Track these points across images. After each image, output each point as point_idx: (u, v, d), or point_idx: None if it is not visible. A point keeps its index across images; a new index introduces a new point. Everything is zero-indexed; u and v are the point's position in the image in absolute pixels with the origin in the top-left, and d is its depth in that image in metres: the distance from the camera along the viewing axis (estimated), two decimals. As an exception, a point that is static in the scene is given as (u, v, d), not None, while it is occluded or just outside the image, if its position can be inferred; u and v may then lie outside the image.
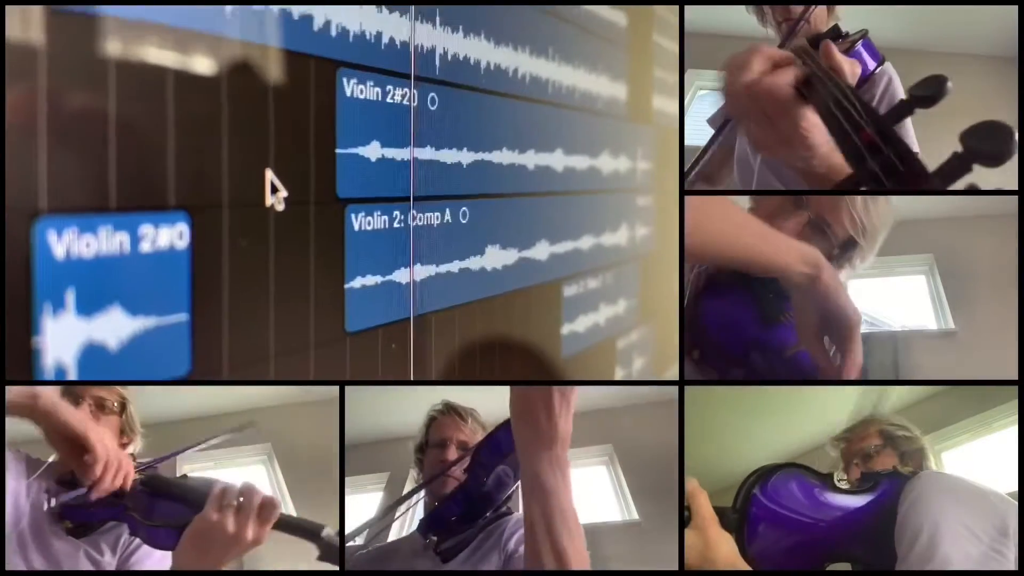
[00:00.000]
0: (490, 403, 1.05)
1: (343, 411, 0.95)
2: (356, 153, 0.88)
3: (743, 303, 1.03)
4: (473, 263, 1.10)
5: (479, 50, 1.09)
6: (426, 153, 0.99)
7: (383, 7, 0.90)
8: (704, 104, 1.39)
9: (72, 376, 0.60)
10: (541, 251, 1.28)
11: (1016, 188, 0.95)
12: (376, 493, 1.38)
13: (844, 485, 0.93)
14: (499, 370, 1.16)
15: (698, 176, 1.14)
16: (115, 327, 0.63)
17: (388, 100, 0.92)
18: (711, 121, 1.17)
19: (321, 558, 0.88)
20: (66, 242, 0.60)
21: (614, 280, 1.56)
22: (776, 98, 0.84)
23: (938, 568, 0.81)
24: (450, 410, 1.06)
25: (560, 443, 0.76)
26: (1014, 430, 1.02)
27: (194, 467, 1.18)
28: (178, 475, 0.96)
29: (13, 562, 0.92)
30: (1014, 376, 1.01)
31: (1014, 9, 1.07)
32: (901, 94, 1.08)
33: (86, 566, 0.95)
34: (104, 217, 0.62)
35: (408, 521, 1.11)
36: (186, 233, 0.69)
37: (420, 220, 0.98)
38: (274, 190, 0.77)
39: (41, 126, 0.58)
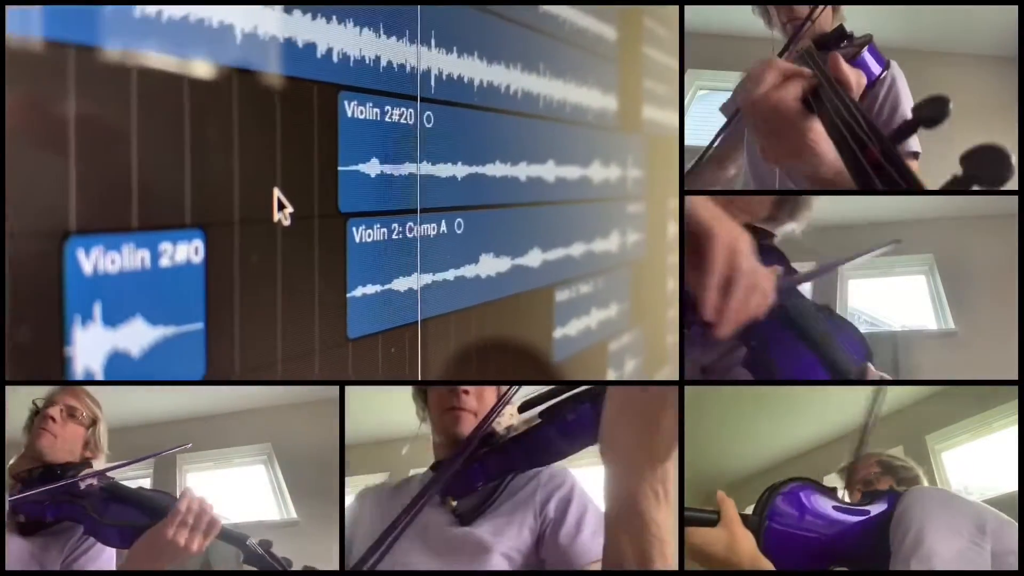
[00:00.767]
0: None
1: (343, 411, 0.98)
2: (356, 170, 0.93)
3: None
4: (468, 271, 1.15)
5: (472, 69, 1.14)
6: (423, 168, 1.04)
7: (383, 34, 0.95)
8: (704, 104, 1.41)
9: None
10: (534, 258, 1.32)
11: (1016, 188, 0.95)
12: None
13: (847, 503, 1.01)
14: (494, 373, 1.20)
15: (711, 159, 1.14)
16: (138, 336, 0.69)
17: (386, 120, 0.97)
18: (723, 109, 1.16)
19: (245, 562, 1.01)
20: (93, 259, 0.65)
21: (605, 285, 1.59)
22: (782, 114, 0.86)
23: (924, 558, 0.91)
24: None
25: (669, 456, 0.66)
26: (1014, 430, 1.04)
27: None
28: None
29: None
30: (1014, 376, 1.02)
31: (1014, 9, 1.07)
32: (905, 96, 1.09)
33: (32, 565, 1.01)
34: (127, 236, 0.68)
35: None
36: (201, 249, 0.74)
37: (417, 231, 1.04)
38: (281, 207, 0.83)
39: (71, 152, 0.64)
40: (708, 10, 1.23)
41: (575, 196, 1.46)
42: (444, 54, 1.07)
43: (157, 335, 0.70)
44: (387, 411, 1.18)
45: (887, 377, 0.96)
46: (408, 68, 1.00)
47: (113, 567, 1.02)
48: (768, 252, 0.95)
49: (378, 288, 0.97)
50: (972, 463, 1.25)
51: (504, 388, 0.95)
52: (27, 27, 0.60)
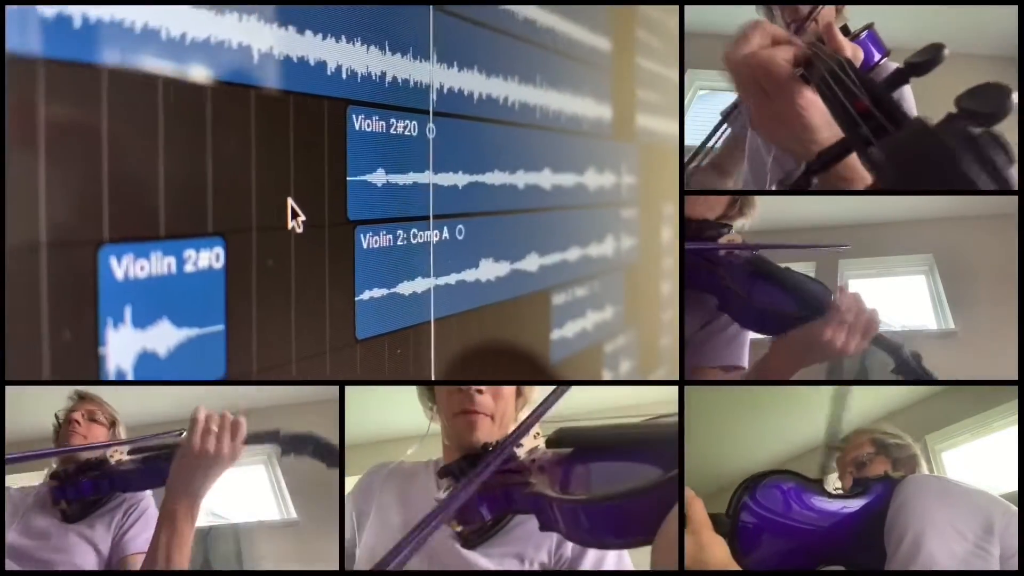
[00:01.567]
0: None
1: (343, 411, 1.00)
2: (364, 180, 0.98)
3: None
4: (468, 275, 1.18)
5: (472, 82, 1.18)
6: (426, 177, 1.09)
7: (388, 51, 1.00)
8: (704, 104, 1.40)
9: (130, 378, 0.71)
10: (531, 263, 1.35)
11: (1016, 188, 0.95)
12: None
13: (838, 492, 0.94)
14: (493, 374, 1.23)
15: (709, 165, 1.14)
16: (164, 337, 0.73)
17: (392, 132, 1.02)
18: (724, 113, 1.17)
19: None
20: (124, 266, 0.69)
21: (601, 288, 1.61)
22: (772, 71, 0.85)
23: (922, 566, 0.82)
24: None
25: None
26: (1014, 430, 1.01)
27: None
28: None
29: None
30: (1014, 376, 1.00)
31: (1014, 9, 1.07)
32: (907, 93, 1.07)
33: (82, 546, 1.05)
34: (155, 244, 0.72)
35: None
36: (222, 255, 0.78)
37: (421, 238, 1.09)
38: (294, 215, 0.87)
39: (104, 169, 0.68)
40: (708, 10, 1.21)
41: (571, 203, 1.48)
42: (445, 68, 1.12)
43: (182, 336, 0.75)
44: (392, 410, 1.19)
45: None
46: (412, 83, 1.05)
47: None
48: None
49: (384, 292, 1.01)
50: (972, 463, 1.22)
51: (519, 391, 0.94)
52: (67, 50, 0.65)
